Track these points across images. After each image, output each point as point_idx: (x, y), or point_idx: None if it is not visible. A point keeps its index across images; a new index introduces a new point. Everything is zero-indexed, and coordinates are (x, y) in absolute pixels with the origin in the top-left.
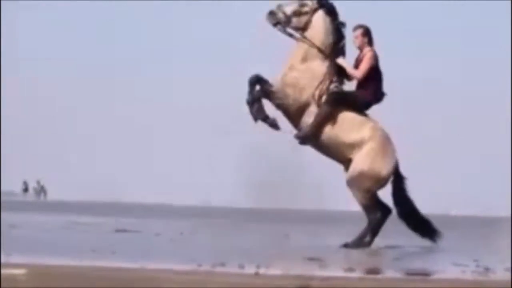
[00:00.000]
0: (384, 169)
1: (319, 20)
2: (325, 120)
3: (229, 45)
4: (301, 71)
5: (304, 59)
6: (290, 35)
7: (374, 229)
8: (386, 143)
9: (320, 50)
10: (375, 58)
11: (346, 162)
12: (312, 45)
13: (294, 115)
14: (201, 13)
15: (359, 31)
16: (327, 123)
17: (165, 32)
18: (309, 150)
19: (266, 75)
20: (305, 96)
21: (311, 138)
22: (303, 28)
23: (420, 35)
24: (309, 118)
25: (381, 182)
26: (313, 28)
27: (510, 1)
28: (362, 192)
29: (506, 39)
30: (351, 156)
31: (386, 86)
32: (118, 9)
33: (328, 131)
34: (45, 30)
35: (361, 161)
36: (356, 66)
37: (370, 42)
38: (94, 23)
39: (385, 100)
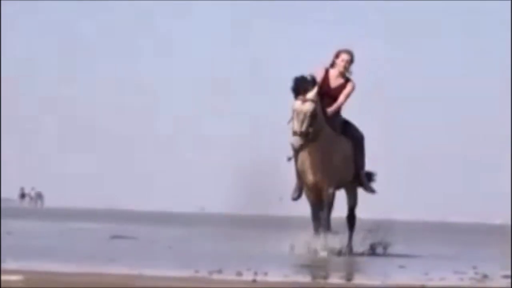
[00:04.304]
0: None
1: None
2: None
3: (229, 47)
4: None
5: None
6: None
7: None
8: None
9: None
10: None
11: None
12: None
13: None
14: (201, 13)
15: (347, 56)
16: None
17: (165, 32)
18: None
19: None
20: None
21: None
22: None
23: (419, 34)
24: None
25: None
26: None
27: (510, 1)
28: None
29: (506, 39)
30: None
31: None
32: (118, 9)
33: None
34: (45, 30)
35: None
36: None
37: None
38: (94, 23)
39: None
